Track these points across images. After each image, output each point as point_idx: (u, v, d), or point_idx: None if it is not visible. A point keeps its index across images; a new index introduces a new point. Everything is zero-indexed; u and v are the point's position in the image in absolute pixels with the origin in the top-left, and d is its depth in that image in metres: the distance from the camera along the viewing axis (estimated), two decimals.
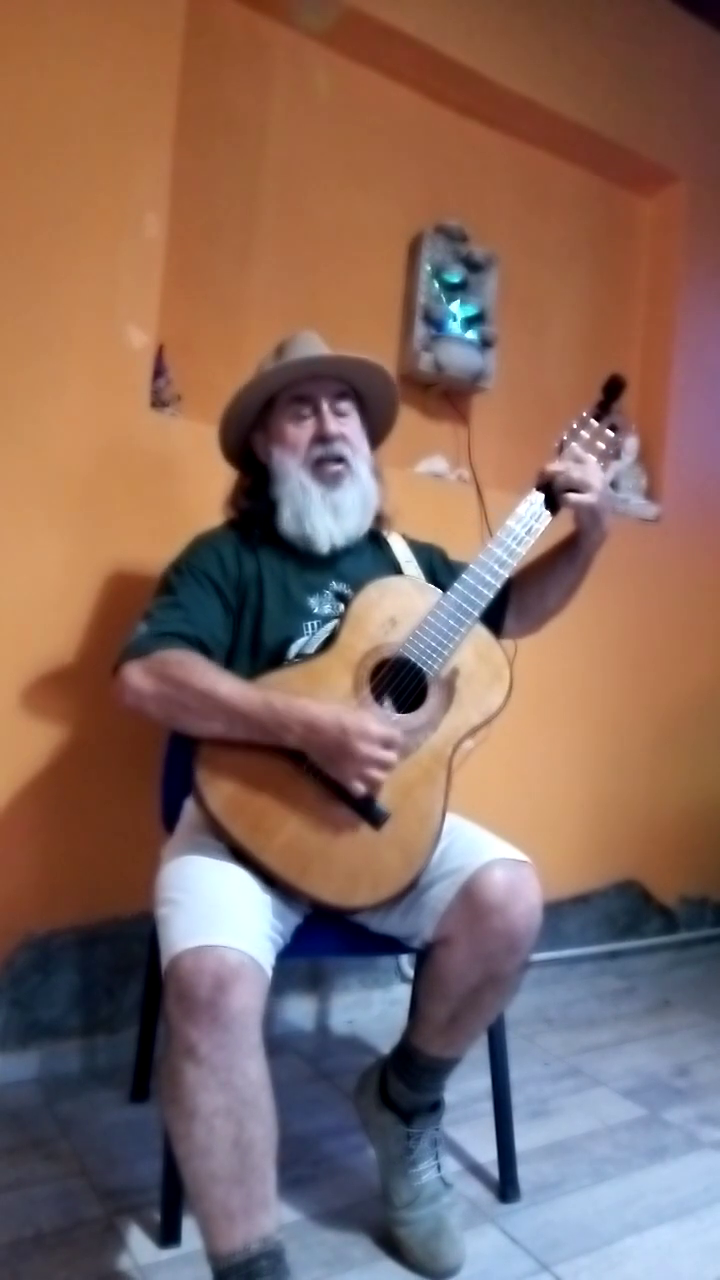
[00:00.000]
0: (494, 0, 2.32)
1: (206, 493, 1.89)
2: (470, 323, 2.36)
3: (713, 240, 2.78)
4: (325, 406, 1.48)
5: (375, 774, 1.21)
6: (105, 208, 1.80)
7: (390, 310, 2.36)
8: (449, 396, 2.41)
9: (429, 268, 2.33)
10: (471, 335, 2.36)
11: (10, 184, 1.71)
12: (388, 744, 1.22)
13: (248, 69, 2.15)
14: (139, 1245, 1.33)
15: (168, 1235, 1.33)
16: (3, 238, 1.71)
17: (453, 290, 2.35)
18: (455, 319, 2.34)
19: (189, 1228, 1.30)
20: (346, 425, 1.50)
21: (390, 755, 1.22)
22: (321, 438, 1.46)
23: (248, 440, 1.55)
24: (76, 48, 1.76)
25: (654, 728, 2.71)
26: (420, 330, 2.31)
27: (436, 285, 2.34)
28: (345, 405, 1.51)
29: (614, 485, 2.55)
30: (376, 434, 1.60)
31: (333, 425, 1.47)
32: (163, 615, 1.36)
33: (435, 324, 2.32)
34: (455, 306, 2.34)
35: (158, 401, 1.92)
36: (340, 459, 1.47)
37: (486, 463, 2.39)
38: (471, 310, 2.36)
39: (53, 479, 1.77)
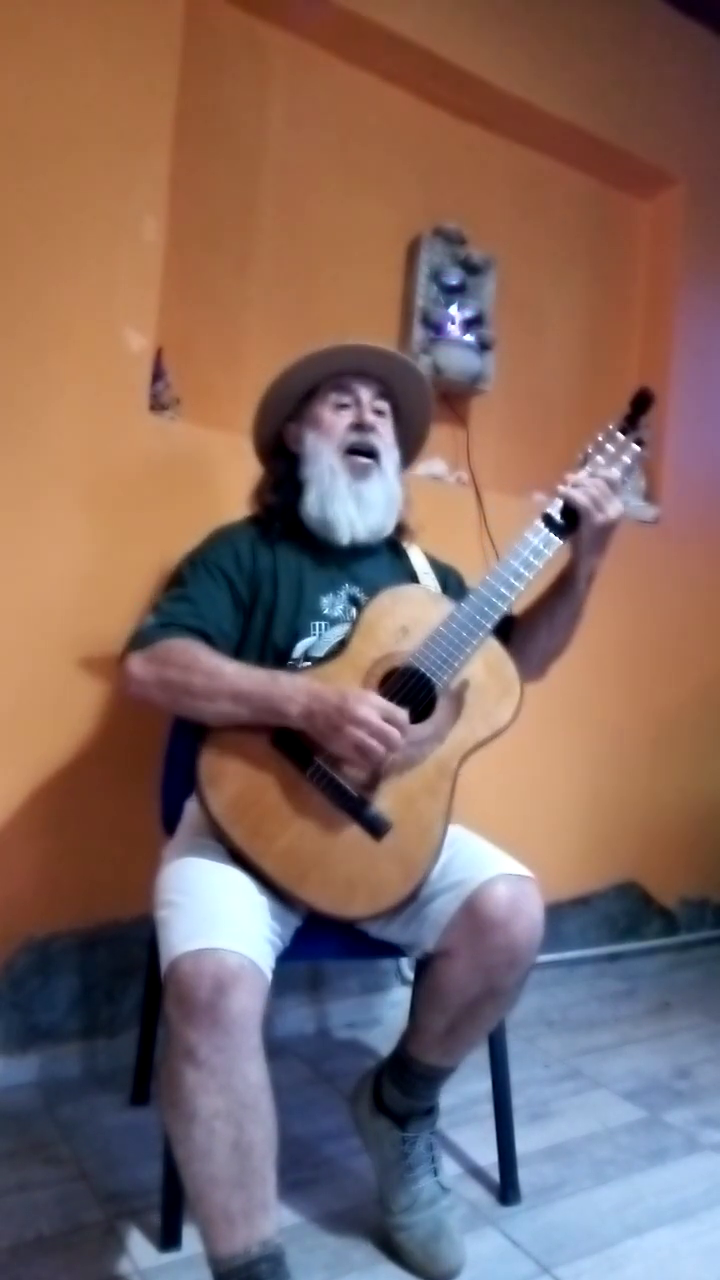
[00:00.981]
0: (491, 4, 2.32)
1: (205, 496, 1.90)
2: (468, 325, 2.36)
3: (710, 243, 2.78)
4: (366, 399, 1.49)
5: (371, 743, 1.19)
6: (104, 212, 1.80)
7: (388, 313, 2.36)
8: (447, 399, 2.41)
9: (427, 270, 2.33)
10: (470, 338, 2.36)
11: (9, 188, 1.71)
12: (390, 718, 1.21)
13: (245, 73, 2.16)
14: (139, 1249, 1.33)
15: (168, 1239, 1.33)
16: (2, 241, 1.71)
17: (451, 293, 2.35)
18: (453, 321, 2.34)
19: (189, 1231, 1.30)
20: (382, 424, 1.51)
21: (392, 730, 1.21)
22: (358, 425, 1.48)
23: (279, 432, 1.56)
24: (74, 53, 1.76)
25: (653, 729, 2.71)
26: (419, 333, 2.32)
27: (435, 288, 2.34)
28: (383, 405, 1.53)
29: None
30: (407, 452, 1.60)
31: (370, 416, 1.49)
32: (171, 608, 1.37)
33: (434, 327, 2.33)
34: (453, 309, 2.34)
35: (156, 405, 1.93)
36: (372, 453, 1.48)
37: (485, 465, 2.39)
38: (470, 313, 2.36)
39: (51, 482, 1.77)
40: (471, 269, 2.37)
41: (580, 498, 1.38)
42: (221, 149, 2.13)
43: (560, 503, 1.39)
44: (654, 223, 2.83)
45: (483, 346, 2.38)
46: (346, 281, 2.30)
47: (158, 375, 1.93)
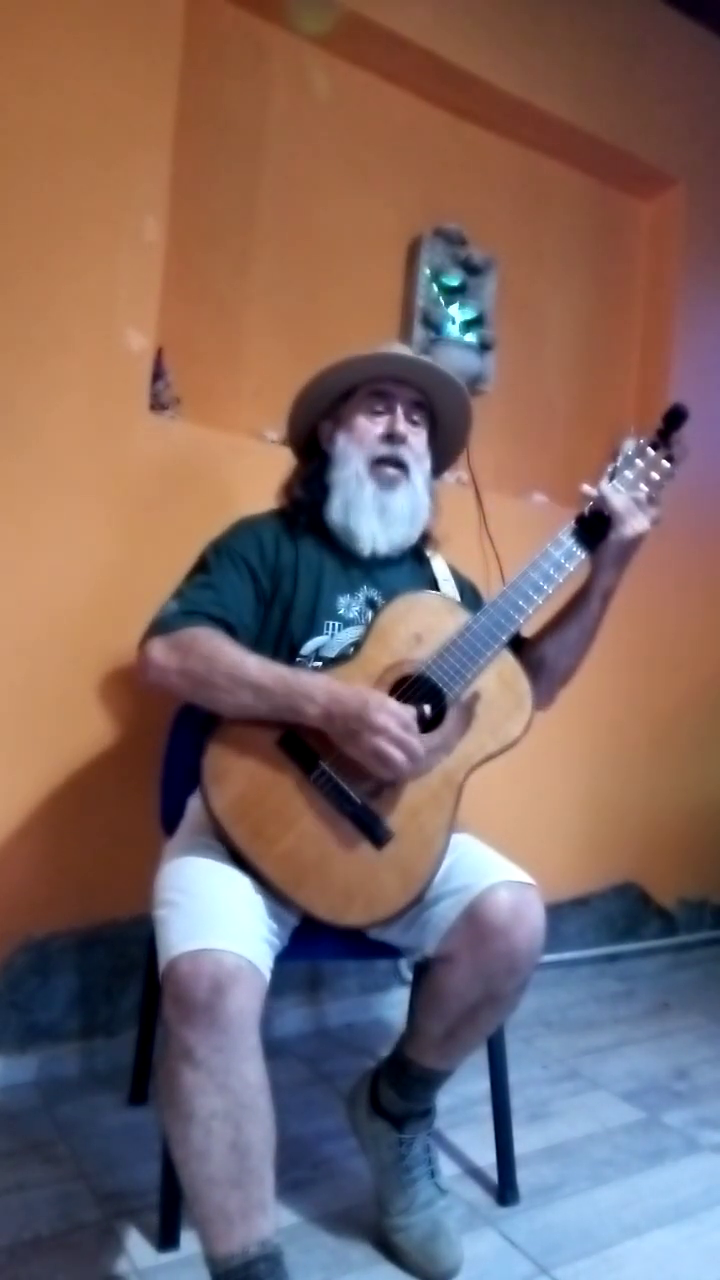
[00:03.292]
0: (492, 4, 2.32)
1: (204, 495, 1.90)
2: (469, 326, 2.36)
3: (710, 243, 2.79)
4: (401, 411, 1.48)
5: (390, 750, 1.19)
6: (105, 212, 1.80)
7: (389, 313, 2.36)
8: None
9: (428, 271, 2.34)
10: (470, 338, 2.36)
11: (10, 188, 1.71)
12: (407, 727, 1.21)
13: (246, 73, 2.16)
14: (137, 1249, 1.33)
15: (166, 1239, 1.33)
16: (3, 242, 1.71)
17: (451, 293, 2.35)
18: (454, 322, 2.35)
19: (188, 1231, 1.30)
20: (414, 436, 1.50)
21: (411, 740, 1.20)
22: (390, 436, 1.47)
23: (313, 426, 1.55)
24: (75, 53, 1.76)
25: (652, 729, 2.71)
26: (419, 333, 2.32)
27: (435, 288, 2.34)
28: (419, 417, 1.51)
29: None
30: (438, 463, 1.59)
31: (403, 427, 1.47)
32: (194, 594, 1.36)
33: (434, 327, 2.33)
34: (454, 309, 2.35)
35: (157, 404, 1.93)
36: (401, 464, 1.46)
37: (485, 466, 2.39)
38: (470, 313, 2.36)
39: (51, 481, 1.77)
40: (472, 269, 2.38)
41: (616, 501, 1.35)
42: (222, 148, 2.13)
43: (587, 507, 1.37)
44: (654, 223, 2.83)
45: (483, 347, 2.38)
46: (347, 281, 2.30)
47: (158, 375, 1.94)
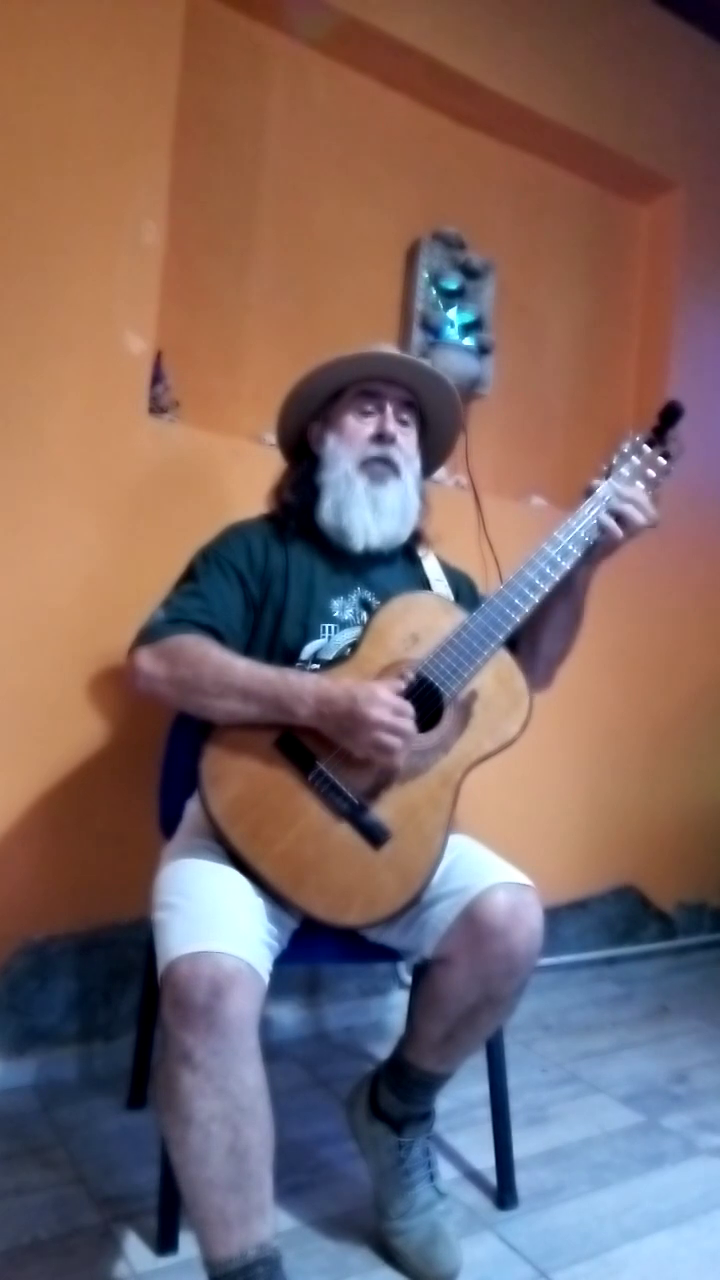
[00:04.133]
0: (491, 8, 2.33)
1: (203, 498, 1.90)
2: (468, 329, 2.37)
3: (709, 247, 2.79)
4: (390, 410, 1.48)
5: (389, 740, 1.19)
6: (104, 215, 1.81)
7: (388, 317, 2.37)
8: None
9: (426, 274, 2.34)
10: (469, 342, 2.36)
11: (11, 192, 1.72)
12: (400, 712, 1.21)
13: (245, 77, 2.16)
14: (136, 1253, 1.33)
15: (165, 1242, 1.32)
16: (2, 245, 1.71)
17: (450, 297, 2.35)
18: (453, 325, 2.35)
19: (186, 1235, 1.30)
20: (404, 435, 1.50)
21: (405, 723, 1.20)
22: (380, 436, 1.47)
23: (303, 428, 1.55)
24: (76, 57, 1.77)
25: (651, 733, 2.71)
26: (418, 337, 2.32)
27: (434, 292, 2.35)
28: (408, 416, 1.52)
29: None
30: (428, 464, 1.60)
31: (392, 426, 1.48)
32: (182, 603, 1.36)
33: (433, 330, 2.33)
34: (453, 313, 2.35)
35: (156, 408, 1.93)
36: (391, 464, 1.47)
37: (484, 469, 2.39)
38: (469, 317, 2.37)
39: (50, 484, 1.78)
40: (471, 273, 2.38)
41: (614, 500, 1.37)
42: (221, 153, 2.14)
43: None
44: (653, 227, 2.84)
45: (481, 350, 2.38)
46: (346, 285, 2.30)
47: (157, 378, 1.94)
